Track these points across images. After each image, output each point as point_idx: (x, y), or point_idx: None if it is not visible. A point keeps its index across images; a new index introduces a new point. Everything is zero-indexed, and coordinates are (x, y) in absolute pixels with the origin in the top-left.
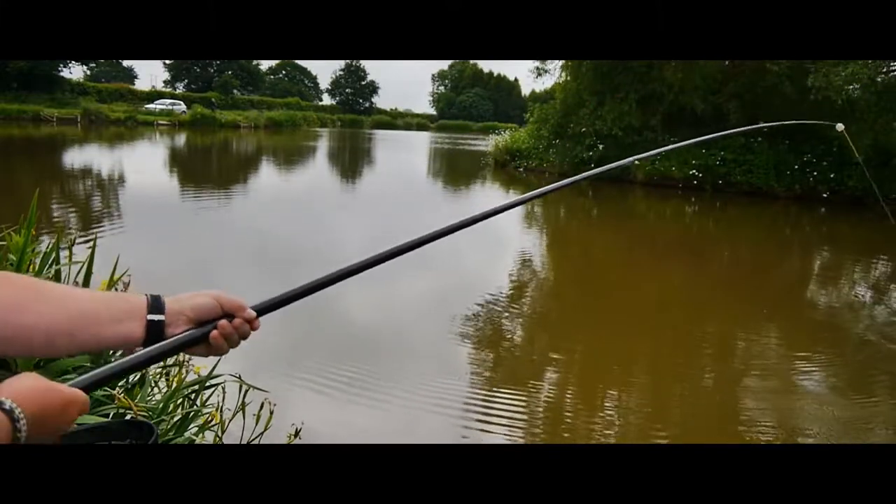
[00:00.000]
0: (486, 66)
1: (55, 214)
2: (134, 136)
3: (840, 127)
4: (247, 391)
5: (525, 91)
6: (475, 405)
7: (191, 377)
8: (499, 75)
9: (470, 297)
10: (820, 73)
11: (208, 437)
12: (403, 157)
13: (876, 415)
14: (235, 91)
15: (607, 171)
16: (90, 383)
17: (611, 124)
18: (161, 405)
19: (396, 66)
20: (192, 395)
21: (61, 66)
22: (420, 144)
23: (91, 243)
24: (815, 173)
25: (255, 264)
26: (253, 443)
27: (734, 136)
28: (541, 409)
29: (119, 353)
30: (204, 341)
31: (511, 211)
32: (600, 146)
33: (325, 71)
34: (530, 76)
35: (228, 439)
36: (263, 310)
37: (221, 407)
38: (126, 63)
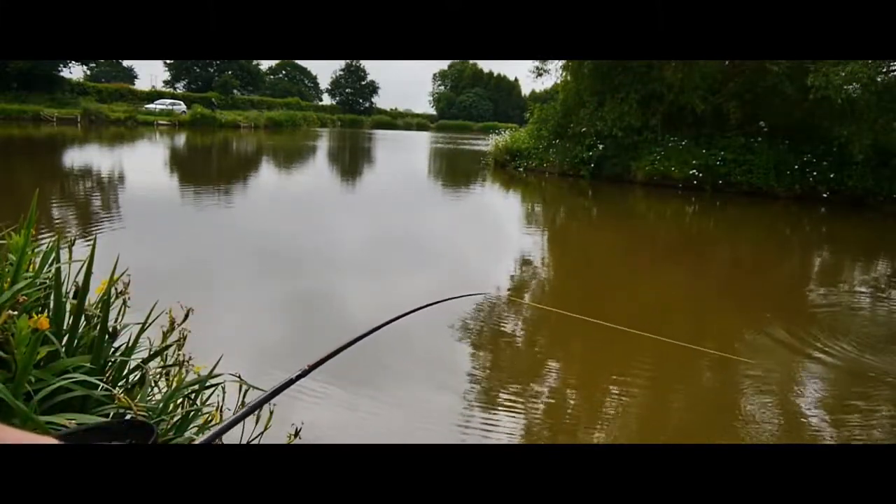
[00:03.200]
0: (486, 66)
1: (55, 214)
2: (134, 136)
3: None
4: (247, 391)
5: (525, 91)
6: (473, 406)
7: (191, 377)
8: (499, 75)
9: (469, 297)
10: (820, 73)
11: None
12: (404, 156)
13: (876, 415)
14: (235, 91)
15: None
16: None
17: (611, 124)
18: (161, 405)
19: (396, 66)
20: (192, 395)
21: (61, 66)
22: (420, 144)
23: (91, 243)
24: (815, 173)
25: (255, 263)
26: (253, 443)
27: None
28: (539, 411)
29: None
30: None
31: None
32: (600, 146)
33: (325, 71)
34: (530, 76)
35: (228, 439)
36: None
37: (221, 407)
38: (126, 63)
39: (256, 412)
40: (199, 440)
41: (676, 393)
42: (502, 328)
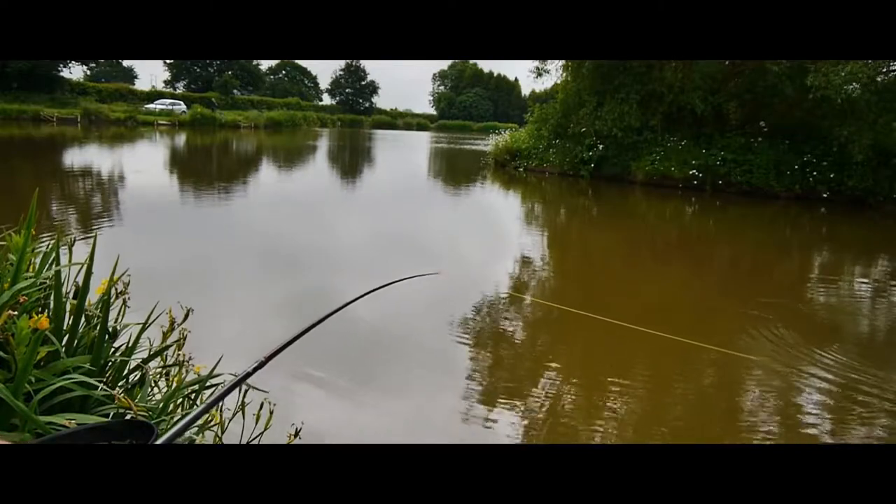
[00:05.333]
0: (486, 66)
1: (55, 214)
2: (134, 136)
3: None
4: (247, 391)
5: (525, 91)
6: (472, 408)
7: (191, 377)
8: (499, 75)
9: (468, 297)
10: (820, 73)
11: (208, 437)
12: (404, 156)
13: (876, 416)
14: (235, 91)
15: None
16: None
17: (611, 124)
18: (161, 405)
19: (396, 66)
20: (192, 395)
21: (61, 66)
22: (420, 144)
23: (91, 243)
24: (815, 173)
25: (256, 263)
26: (253, 443)
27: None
28: (539, 411)
29: None
30: None
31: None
32: (600, 146)
33: (325, 71)
34: (530, 76)
35: (228, 439)
36: None
37: (221, 407)
38: (126, 63)
39: (213, 408)
40: (160, 440)
41: (676, 390)
42: (498, 322)
